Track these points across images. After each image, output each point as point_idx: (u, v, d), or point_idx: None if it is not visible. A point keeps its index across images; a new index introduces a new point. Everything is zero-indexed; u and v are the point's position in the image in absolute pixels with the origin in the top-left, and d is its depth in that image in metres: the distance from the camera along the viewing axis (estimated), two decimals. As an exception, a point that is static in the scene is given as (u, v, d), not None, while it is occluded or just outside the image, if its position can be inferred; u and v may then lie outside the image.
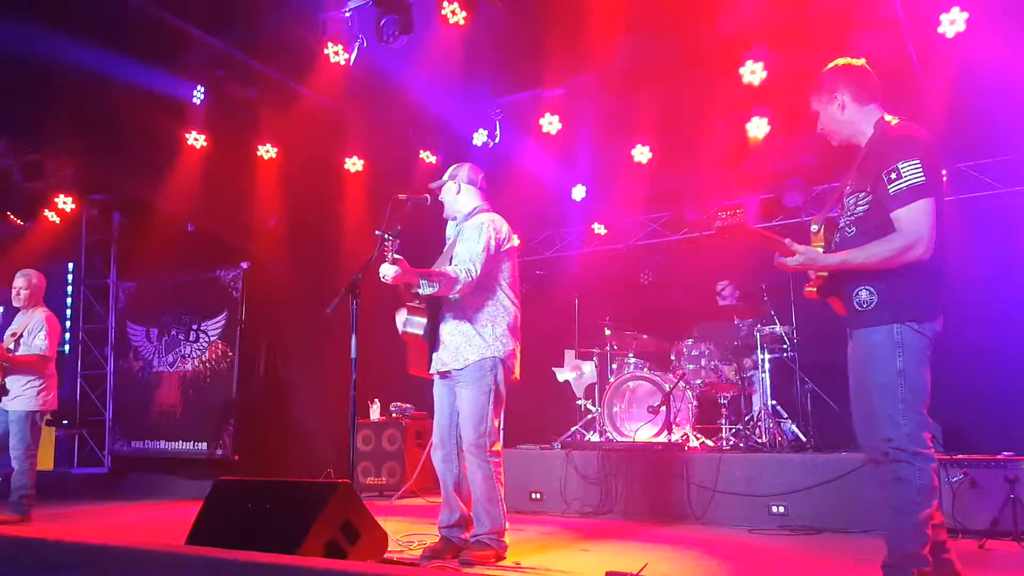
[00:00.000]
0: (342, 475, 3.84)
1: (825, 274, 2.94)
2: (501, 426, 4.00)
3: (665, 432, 5.78)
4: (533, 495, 5.82)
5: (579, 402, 6.92)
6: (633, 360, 6.58)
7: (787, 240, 2.87)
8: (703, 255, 7.64)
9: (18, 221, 8.16)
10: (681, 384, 6.05)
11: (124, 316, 8.54)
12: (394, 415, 7.16)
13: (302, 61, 6.02)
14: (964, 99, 5.67)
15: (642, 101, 6.43)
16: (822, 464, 4.92)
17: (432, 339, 3.91)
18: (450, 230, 4.16)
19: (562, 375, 7.16)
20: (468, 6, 5.36)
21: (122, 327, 8.53)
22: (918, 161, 2.69)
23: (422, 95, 6.50)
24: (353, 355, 3.65)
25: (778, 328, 6.21)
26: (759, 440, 5.85)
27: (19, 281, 5.64)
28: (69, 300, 9.08)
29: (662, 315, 7.46)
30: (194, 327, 7.95)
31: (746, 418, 6.17)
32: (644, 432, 6.06)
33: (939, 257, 2.72)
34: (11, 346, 5.37)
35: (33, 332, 5.46)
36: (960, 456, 4.55)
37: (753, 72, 5.79)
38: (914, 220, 2.67)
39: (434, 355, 3.93)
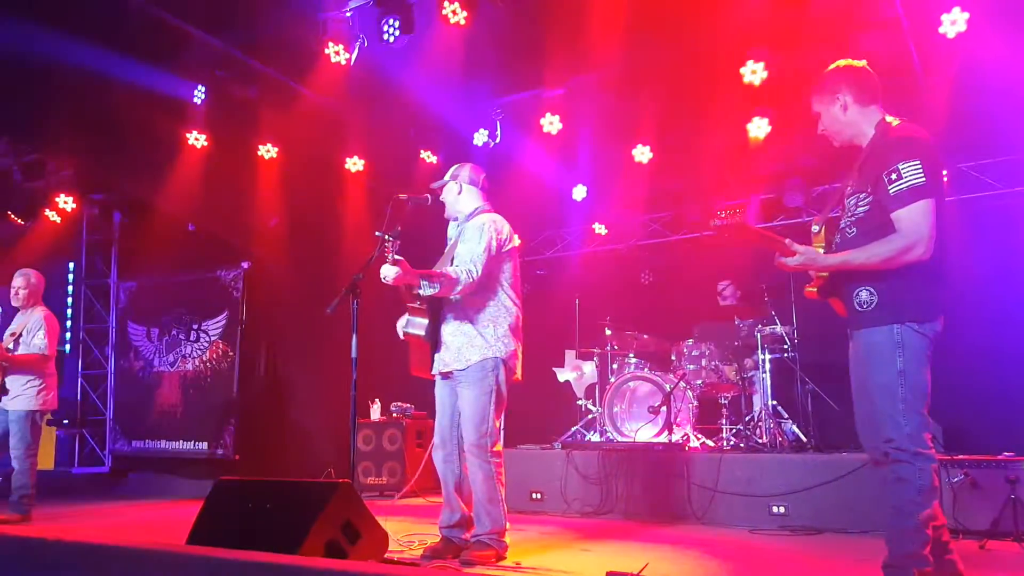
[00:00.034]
0: (343, 475, 3.84)
1: (826, 274, 2.94)
2: (502, 426, 4.00)
3: (666, 432, 5.78)
4: (534, 495, 5.82)
5: (580, 402, 6.92)
6: (634, 360, 6.57)
7: (787, 240, 2.88)
8: (704, 255, 7.64)
9: (19, 221, 8.16)
10: (682, 384, 6.05)
11: (125, 316, 8.54)
12: (395, 415, 7.16)
13: (303, 61, 6.02)
14: (965, 99, 5.67)
15: (643, 101, 6.43)
16: (823, 464, 4.92)
17: (434, 340, 3.91)
18: (451, 230, 4.16)
19: (563, 375, 7.16)
20: (469, 6, 5.36)
21: (123, 327, 8.53)
22: (918, 162, 2.69)
23: (423, 95, 6.50)
24: (354, 355, 3.65)
25: (779, 328, 6.21)
26: (760, 440, 5.85)
27: (18, 281, 5.64)
28: (70, 300, 9.09)
29: (663, 315, 7.46)
30: (195, 327, 7.95)
31: (747, 418, 6.16)
32: (645, 432, 6.06)
33: (940, 257, 2.72)
34: (10, 346, 5.38)
35: (32, 331, 5.46)
36: (961, 456, 4.55)
37: (754, 72, 5.79)
38: (914, 221, 2.67)
39: (436, 356, 3.93)
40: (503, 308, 3.91)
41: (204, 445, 7.62)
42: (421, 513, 5.64)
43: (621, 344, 6.86)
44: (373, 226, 3.74)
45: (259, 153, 7.05)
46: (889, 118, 2.90)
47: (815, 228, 3.02)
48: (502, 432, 4.10)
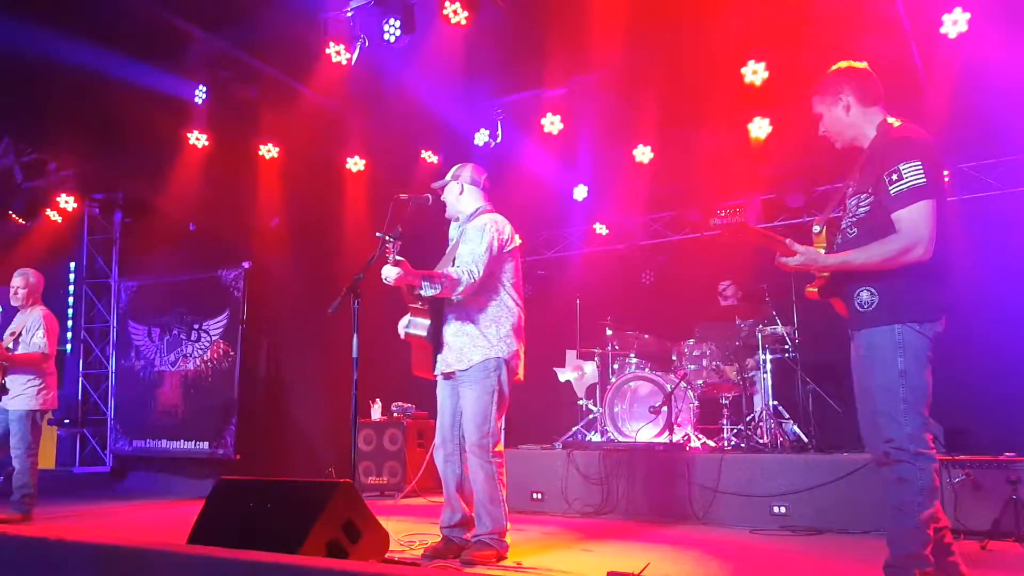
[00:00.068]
0: (343, 475, 3.83)
1: (827, 275, 2.94)
2: (502, 426, 4.00)
3: (666, 432, 5.78)
4: (534, 495, 5.82)
5: (580, 402, 6.92)
6: (634, 360, 6.57)
7: (788, 240, 2.88)
8: (705, 255, 7.63)
9: (20, 220, 8.16)
10: (682, 384, 6.05)
11: (126, 315, 8.55)
12: (395, 415, 7.16)
13: (304, 61, 6.03)
14: (966, 99, 5.67)
15: (644, 101, 6.43)
16: (823, 465, 4.92)
17: (436, 340, 3.91)
18: (453, 231, 4.16)
19: (563, 375, 7.16)
20: (470, 6, 5.36)
21: (124, 326, 8.54)
22: (919, 162, 2.69)
23: (424, 95, 6.50)
24: (355, 355, 3.65)
25: (780, 328, 6.21)
26: (760, 440, 5.84)
27: (17, 280, 5.64)
28: (71, 299, 9.10)
29: (663, 315, 7.46)
30: (196, 326, 7.95)
31: (747, 418, 6.16)
32: (645, 432, 6.06)
33: (941, 258, 2.72)
34: (10, 345, 5.38)
35: (31, 331, 5.47)
36: (962, 457, 4.54)
37: (755, 72, 5.79)
38: (914, 221, 2.67)
39: (438, 356, 3.92)
40: (505, 308, 3.90)
41: (205, 445, 7.63)
42: (422, 513, 5.64)
43: (622, 344, 6.86)
44: (374, 226, 3.74)
45: (260, 153, 7.06)
46: (891, 119, 2.91)
47: (816, 228, 3.02)
48: (503, 432, 4.10)
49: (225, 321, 7.82)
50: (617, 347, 6.84)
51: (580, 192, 8.04)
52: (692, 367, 6.35)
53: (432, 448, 4.08)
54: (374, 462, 6.97)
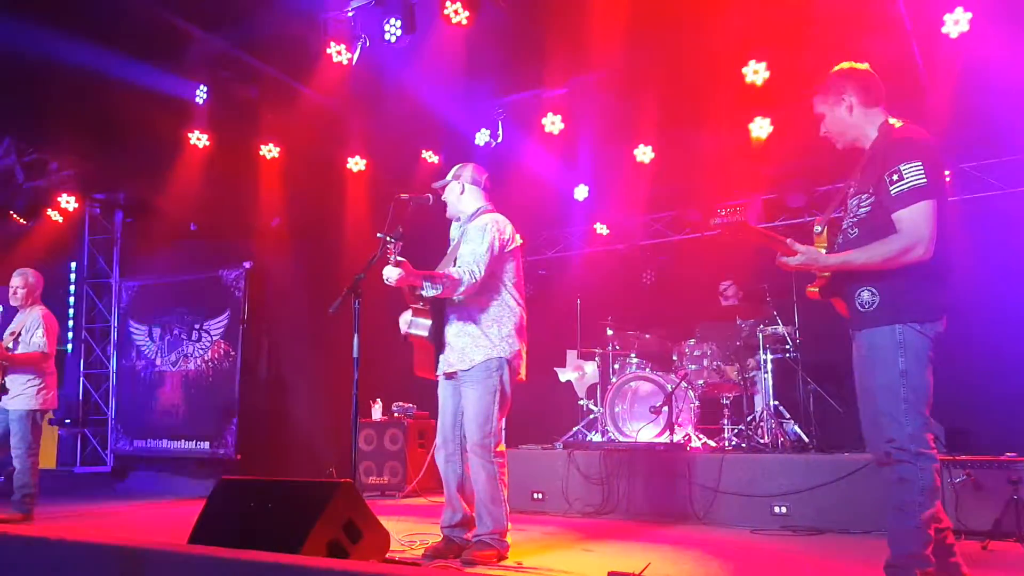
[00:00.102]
0: (344, 474, 3.84)
1: (827, 275, 2.94)
2: (503, 426, 4.00)
3: (667, 432, 5.78)
4: (535, 495, 5.82)
5: (581, 402, 6.92)
6: (635, 360, 6.57)
7: (788, 240, 2.88)
8: (706, 255, 7.63)
9: (21, 220, 8.17)
10: (683, 384, 6.05)
11: (127, 315, 8.55)
12: (396, 415, 7.16)
13: (305, 61, 6.03)
14: (968, 99, 5.66)
15: (645, 101, 6.43)
16: (824, 465, 4.91)
17: (438, 341, 3.91)
18: (454, 231, 4.16)
19: (564, 375, 7.16)
20: (471, 6, 5.36)
21: (124, 326, 8.54)
22: (920, 163, 2.69)
23: (424, 95, 6.50)
24: (355, 355, 3.66)
25: (781, 328, 6.20)
26: (761, 440, 5.84)
27: (16, 280, 5.65)
28: (72, 299, 9.11)
29: (664, 315, 7.45)
30: (196, 326, 7.96)
31: (748, 418, 6.16)
32: (646, 432, 6.06)
33: (942, 258, 2.72)
34: (10, 345, 5.38)
35: (31, 330, 5.47)
36: (963, 457, 4.54)
37: (756, 72, 5.79)
38: (915, 221, 2.67)
39: (440, 356, 3.92)
40: (507, 308, 3.90)
41: (206, 444, 7.63)
42: (423, 513, 5.64)
43: (623, 344, 6.86)
44: (375, 226, 3.74)
45: (261, 153, 7.06)
46: (892, 120, 2.91)
47: (818, 228, 3.03)
48: (503, 432, 4.10)
49: (226, 321, 7.82)
50: (618, 347, 6.84)
51: (581, 192, 8.04)
52: (693, 367, 6.34)
53: (433, 448, 4.07)
54: (375, 462, 6.97)
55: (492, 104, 6.97)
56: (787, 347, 6.24)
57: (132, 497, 7.27)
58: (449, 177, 4.10)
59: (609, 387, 6.45)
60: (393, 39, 5.62)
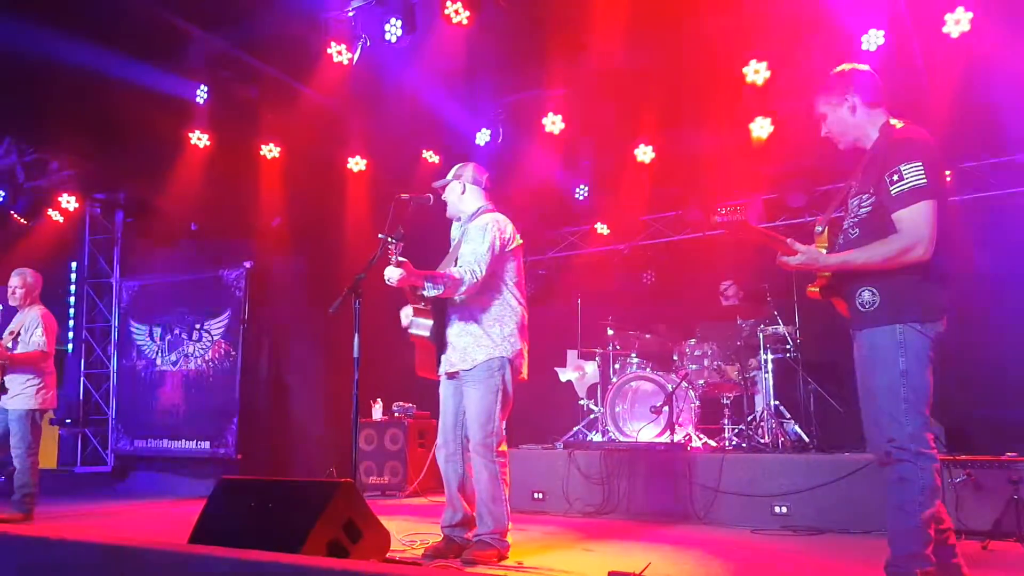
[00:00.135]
0: (345, 474, 3.84)
1: (828, 275, 2.94)
2: (504, 426, 4.00)
3: (668, 432, 5.78)
4: (536, 495, 5.82)
5: (581, 402, 6.92)
6: (636, 360, 6.57)
7: (789, 240, 2.88)
8: (706, 255, 7.63)
9: (22, 220, 8.17)
10: (684, 384, 6.05)
11: (127, 315, 8.56)
12: (396, 415, 7.16)
13: (305, 61, 6.03)
14: (969, 99, 5.66)
15: (645, 101, 6.43)
16: (825, 464, 4.91)
17: (439, 341, 3.91)
18: (455, 231, 4.16)
19: (565, 375, 7.16)
20: (471, 6, 5.36)
21: (125, 326, 8.55)
22: (920, 163, 2.69)
23: (425, 95, 6.51)
24: (356, 355, 3.65)
25: (781, 328, 6.20)
26: (762, 440, 5.84)
27: (14, 280, 5.65)
28: (72, 299, 9.10)
29: (665, 315, 7.45)
30: (197, 326, 7.96)
31: (749, 418, 6.16)
32: (647, 432, 6.06)
33: (942, 258, 2.72)
34: (9, 344, 5.39)
35: (30, 329, 5.48)
36: (963, 457, 4.54)
37: (756, 72, 5.78)
38: (915, 222, 2.67)
39: (442, 356, 3.92)
40: (508, 308, 3.90)
41: (206, 444, 7.63)
42: (423, 513, 5.64)
43: (623, 344, 6.86)
44: (375, 226, 3.74)
45: (261, 153, 7.06)
46: (893, 120, 2.91)
47: (818, 228, 3.03)
48: (504, 432, 4.10)
49: (226, 321, 7.83)
50: (618, 347, 6.84)
51: (581, 192, 8.04)
52: (693, 367, 6.34)
53: (434, 448, 4.08)
54: (375, 462, 6.97)
55: (493, 104, 6.97)
56: (787, 347, 6.24)
57: (132, 497, 7.27)
58: (450, 177, 4.10)
59: (610, 387, 6.45)
60: (394, 39, 5.62)
